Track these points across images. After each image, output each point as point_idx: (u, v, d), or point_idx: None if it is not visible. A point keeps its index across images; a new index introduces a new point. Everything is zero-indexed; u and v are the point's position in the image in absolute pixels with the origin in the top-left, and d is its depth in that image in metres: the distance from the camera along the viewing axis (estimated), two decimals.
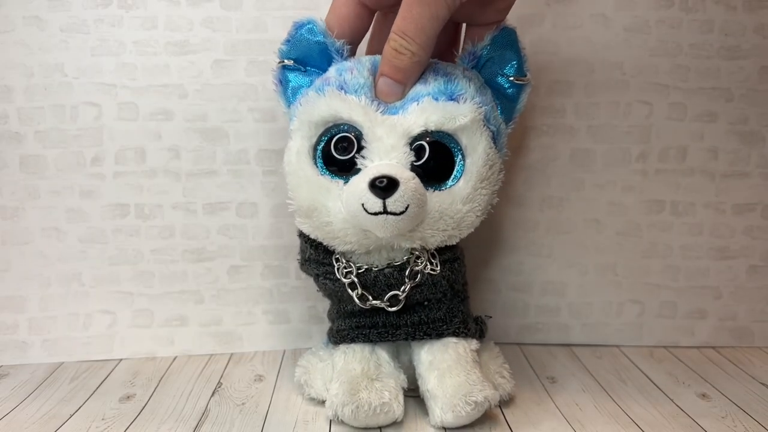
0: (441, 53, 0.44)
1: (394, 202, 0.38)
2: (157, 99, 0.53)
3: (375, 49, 0.46)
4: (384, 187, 0.37)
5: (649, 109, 0.55)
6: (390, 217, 0.38)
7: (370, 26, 0.44)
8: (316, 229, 0.42)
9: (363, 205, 0.38)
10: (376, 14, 0.44)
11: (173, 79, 0.53)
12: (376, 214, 0.38)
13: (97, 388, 0.49)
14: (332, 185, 0.41)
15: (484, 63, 0.43)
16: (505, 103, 0.44)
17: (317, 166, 0.42)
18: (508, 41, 0.42)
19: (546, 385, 0.49)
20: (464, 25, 0.46)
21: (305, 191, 0.42)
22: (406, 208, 0.38)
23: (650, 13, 0.54)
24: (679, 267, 0.57)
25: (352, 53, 0.44)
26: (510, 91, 0.43)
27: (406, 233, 0.41)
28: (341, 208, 0.40)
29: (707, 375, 0.52)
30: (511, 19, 0.43)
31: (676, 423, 0.43)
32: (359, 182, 0.39)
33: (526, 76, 0.43)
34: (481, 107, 0.40)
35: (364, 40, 0.46)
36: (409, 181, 0.38)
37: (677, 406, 0.46)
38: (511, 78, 0.43)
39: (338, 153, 0.41)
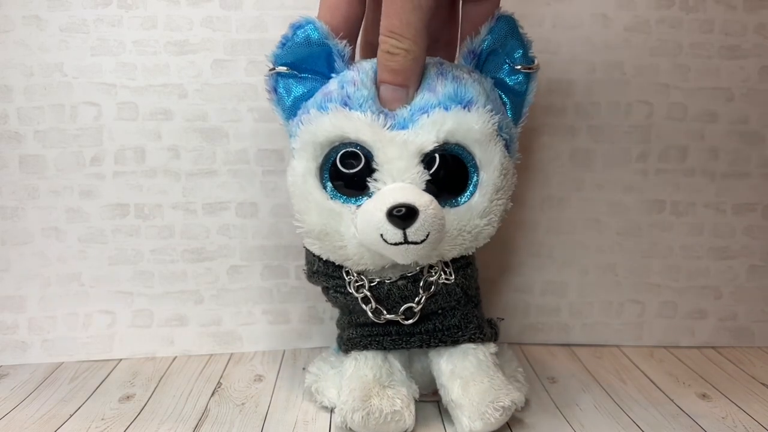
0: (438, 37, 0.42)
1: (415, 231, 0.36)
2: (156, 99, 0.53)
3: (369, 38, 0.44)
4: (403, 216, 0.36)
5: (649, 109, 0.55)
6: (411, 246, 0.37)
7: (363, 13, 0.42)
8: (328, 252, 0.41)
9: (382, 235, 0.37)
10: (367, 1, 0.43)
11: (173, 79, 0.53)
12: (396, 244, 0.37)
13: (97, 388, 0.49)
14: (344, 210, 0.39)
15: (486, 57, 0.41)
16: (513, 98, 0.42)
17: (326, 190, 0.40)
18: (508, 30, 0.40)
19: (546, 385, 0.49)
20: (460, 4, 0.44)
21: (315, 216, 0.40)
22: (427, 236, 0.37)
23: (650, 12, 0.54)
24: (679, 267, 0.57)
25: (352, 54, 0.43)
26: (516, 83, 0.42)
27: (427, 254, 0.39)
28: (355, 233, 0.39)
29: (707, 375, 0.52)
30: None
31: (676, 423, 0.43)
32: (375, 210, 0.37)
33: (533, 62, 0.41)
34: (494, 116, 0.39)
35: None
36: (428, 208, 0.37)
37: (677, 406, 0.46)
38: (518, 67, 0.41)
39: (346, 168, 0.39)
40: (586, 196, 0.56)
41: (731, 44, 0.55)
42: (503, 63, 0.42)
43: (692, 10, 0.54)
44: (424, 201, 0.37)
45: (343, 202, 0.39)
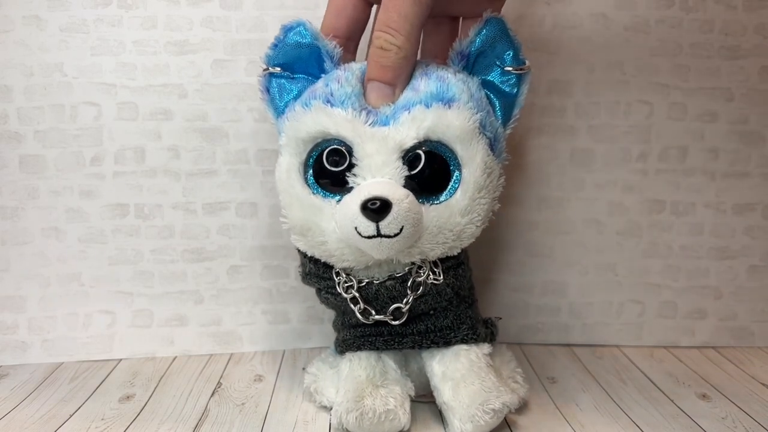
0: (440, 56, 0.43)
1: (388, 224, 0.37)
2: (156, 99, 0.53)
3: None
4: (376, 209, 0.36)
5: (649, 109, 0.55)
6: (384, 239, 0.37)
7: (368, 17, 0.43)
8: (311, 248, 0.41)
9: (356, 228, 0.37)
10: (375, 10, 0.44)
11: (173, 79, 0.53)
12: (370, 237, 0.37)
13: (97, 388, 0.49)
14: (325, 205, 0.39)
15: (475, 59, 0.41)
16: (503, 99, 0.42)
17: (308, 185, 0.40)
18: (497, 32, 0.40)
19: (546, 385, 0.49)
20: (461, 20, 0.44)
21: (298, 211, 0.40)
22: (401, 230, 0.37)
23: (650, 12, 0.54)
24: (679, 267, 0.57)
25: (353, 53, 0.43)
26: (508, 85, 0.41)
27: (405, 250, 0.39)
28: (336, 228, 0.39)
29: (707, 375, 0.52)
30: (511, 19, 0.42)
31: (676, 423, 0.43)
32: (351, 204, 0.37)
33: (525, 64, 0.41)
34: (476, 114, 0.39)
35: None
36: (402, 202, 0.37)
37: (677, 406, 0.46)
38: (509, 68, 0.41)
39: (330, 165, 0.39)
40: (586, 196, 0.56)
41: (731, 44, 0.55)
42: (493, 65, 0.41)
43: (692, 10, 0.54)
44: (399, 195, 0.37)
45: (323, 197, 0.40)
